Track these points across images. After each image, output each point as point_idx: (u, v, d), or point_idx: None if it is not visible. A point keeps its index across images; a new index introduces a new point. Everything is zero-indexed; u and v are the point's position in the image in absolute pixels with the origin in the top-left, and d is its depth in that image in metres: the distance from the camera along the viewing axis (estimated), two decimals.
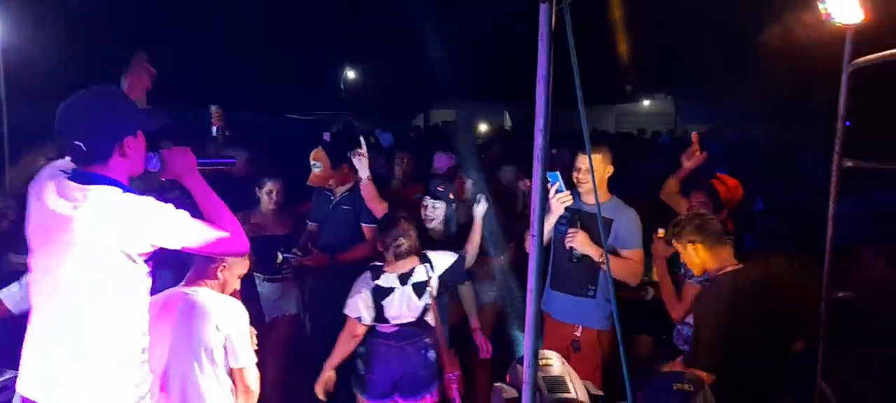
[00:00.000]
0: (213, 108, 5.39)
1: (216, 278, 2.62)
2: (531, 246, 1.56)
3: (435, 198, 3.76)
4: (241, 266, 2.70)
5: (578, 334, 3.48)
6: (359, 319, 3.22)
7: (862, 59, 2.63)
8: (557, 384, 1.74)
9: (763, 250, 3.78)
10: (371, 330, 3.28)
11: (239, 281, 2.73)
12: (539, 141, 1.59)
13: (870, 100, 3.76)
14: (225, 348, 2.50)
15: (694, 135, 3.85)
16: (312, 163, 4.09)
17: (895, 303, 3.01)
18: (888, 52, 2.45)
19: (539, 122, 1.60)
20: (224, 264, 2.61)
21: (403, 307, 3.24)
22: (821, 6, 2.51)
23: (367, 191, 3.89)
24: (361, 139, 3.91)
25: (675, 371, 2.25)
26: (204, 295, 2.54)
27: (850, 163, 2.80)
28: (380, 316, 3.24)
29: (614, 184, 3.55)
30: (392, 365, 3.23)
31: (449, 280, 3.36)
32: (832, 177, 2.82)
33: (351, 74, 22.92)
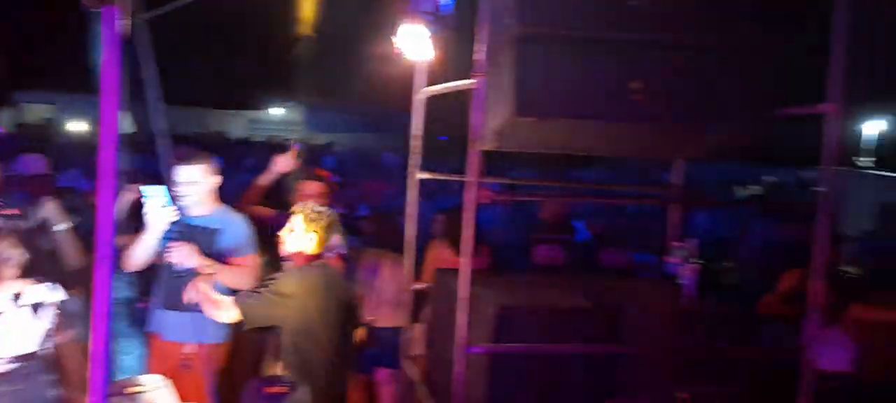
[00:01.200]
0: None
1: None
2: (98, 270, 1.44)
3: None
4: None
5: (189, 351, 3.36)
6: None
7: (429, 89, 3.14)
8: None
9: (363, 249, 4.25)
10: None
11: None
12: (107, 155, 1.48)
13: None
14: None
15: (294, 149, 4.07)
16: None
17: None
18: (449, 84, 2.95)
19: (107, 135, 1.49)
20: None
21: (13, 333, 2.70)
22: (394, 42, 2.90)
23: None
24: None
25: (270, 376, 2.33)
26: None
27: (425, 175, 3.32)
28: None
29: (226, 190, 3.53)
30: None
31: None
32: (410, 185, 3.30)
33: None
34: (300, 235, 3.00)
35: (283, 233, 3.04)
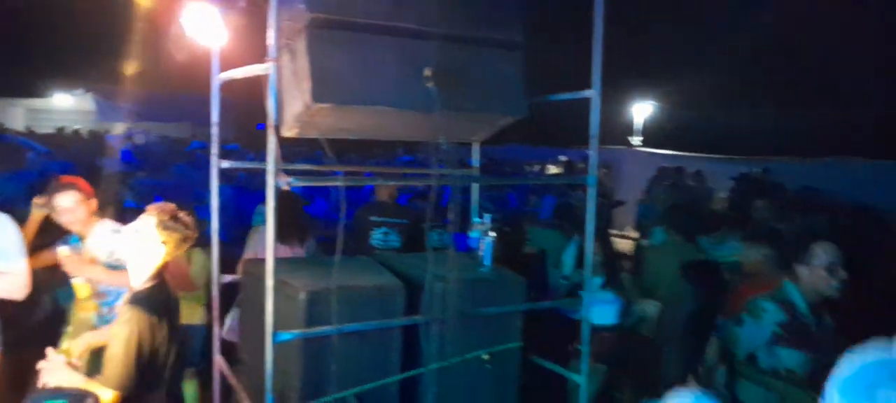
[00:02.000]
0: None
1: None
2: None
3: None
4: None
5: None
6: None
7: (225, 73, 3.03)
8: None
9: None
10: None
11: None
12: None
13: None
14: None
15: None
16: None
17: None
18: (244, 69, 2.86)
19: None
20: None
21: None
22: (184, 26, 2.76)
23: None
24: None
25: (56, 389, 2.13)
26: None
27: (226, 164, 3.22)
28: None
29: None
30: None
31: None
32: (212, 174, 3.18)
33: None
34: (149, 244, 2.67)
35: (126, 238, 2.70)
